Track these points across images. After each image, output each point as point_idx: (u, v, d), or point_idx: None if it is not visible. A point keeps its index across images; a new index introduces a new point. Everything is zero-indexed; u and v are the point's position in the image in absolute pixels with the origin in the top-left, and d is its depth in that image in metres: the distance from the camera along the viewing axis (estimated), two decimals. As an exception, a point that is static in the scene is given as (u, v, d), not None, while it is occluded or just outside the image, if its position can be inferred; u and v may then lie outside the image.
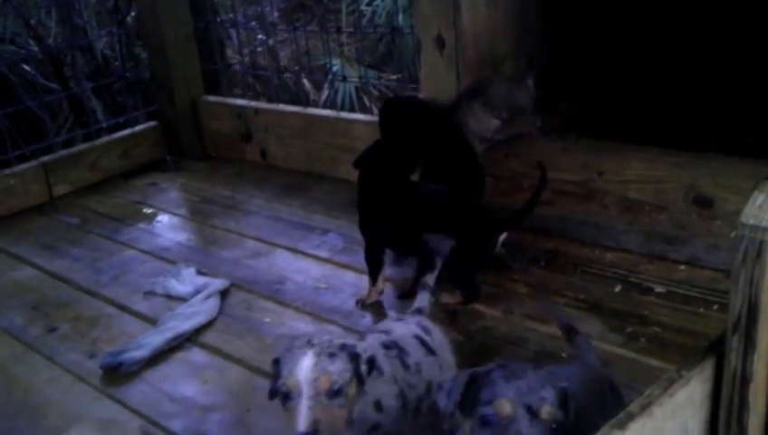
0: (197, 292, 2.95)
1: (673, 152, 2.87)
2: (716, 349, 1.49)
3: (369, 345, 1.83)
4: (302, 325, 2.73)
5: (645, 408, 1.35)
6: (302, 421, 1.58)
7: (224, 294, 2.96)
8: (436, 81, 3.41)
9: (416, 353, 1.93)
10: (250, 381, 2.47)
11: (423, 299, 2.29)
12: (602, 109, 3.57)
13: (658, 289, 2.68)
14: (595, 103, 3.63)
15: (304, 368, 1.63)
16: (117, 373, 2.53)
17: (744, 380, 1.43)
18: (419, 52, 3.48)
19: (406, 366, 1.89)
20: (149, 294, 3.04)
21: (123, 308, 2.97)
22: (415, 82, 5.43)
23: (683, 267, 2.76)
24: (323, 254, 3.23)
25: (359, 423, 1.74)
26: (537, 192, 2.71)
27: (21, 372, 2.63)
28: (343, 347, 1.69)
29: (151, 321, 2.84)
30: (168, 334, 2.67)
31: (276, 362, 1.70)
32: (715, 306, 2.53)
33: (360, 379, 1.68)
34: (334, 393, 1.62)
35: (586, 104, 3.67)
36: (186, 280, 3.05)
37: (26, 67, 5.40)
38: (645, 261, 2.83)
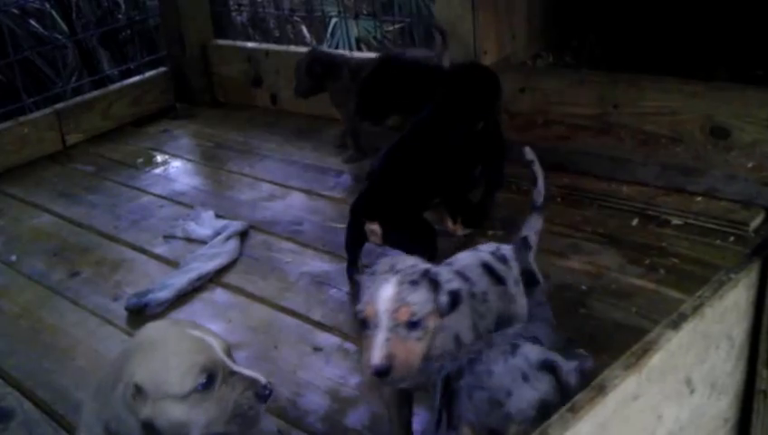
0: (217, 234, 2.97)
1: (689, 81, 2.86)
2: (762, 252, 1.50)
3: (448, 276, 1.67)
4: (324, 265, 2.76)
5: (697, 308, 1.38)
6: (376, 355, 1.52)
7: (243, 235, 2.98)
8: (451, 16, 3.38)
9: (481, 282, 1.80)
10: (274, 319, 2.50)
11: (531, 225, 2.04)
12: (612, 43, 3.55)
13: (676, 221, 2.69)
14: (605, 38, 3.61)
15: (384, 297, 1.54)
16: (143, 314, 2.56)
17: (791, 281, 1.44)
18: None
19: (471, 295, 1.76)
20: (169, 237, 3.07)
21: (144, 251, 3.00)
22: (410, 36, 5.42)
23: (700, 199, 2.76)
24: (338, 195, 3.25)
25: (438, 360, 1.60)
26: None
27: (47, 315, 2.67)
28: (426, 274, 1.59)
29: (173, 263, 2.87)
30: (192, 275, 2.70)
31: (357, 284, 1.63)
32: (732, 238, 2.54)
33: (441, 310, 1.59)
34: (413, 325, 1.54)
35: (596, 40, 3.65)
36: (205, 223, 3.08)
37: (32, 22, 5.38)
38: (662, 193, 2.84)
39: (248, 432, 1.51)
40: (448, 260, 1.90)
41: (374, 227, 2.43)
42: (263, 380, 1.50)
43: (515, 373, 1.34)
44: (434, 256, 2.23)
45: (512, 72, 3.35)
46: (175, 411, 1.41)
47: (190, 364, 1.41)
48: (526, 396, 1.32)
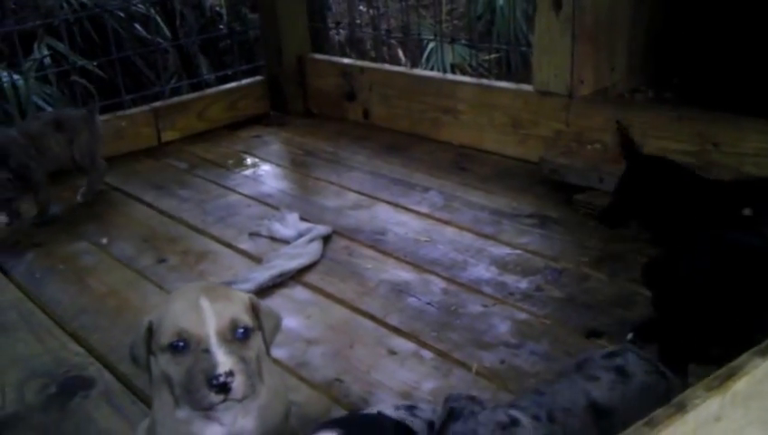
0: (300, 235, 3.00)
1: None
2: None
3: None
4: (404, 274, 2.75)
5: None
6: None
7: (326, 239, 3.00)
8: (550, 44, 3.39)
9: None
10: (352, 320, 2.50)
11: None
12: (715, 84, 3.49)
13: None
14: (708, 78, 3.55)
15: None
16: (223, 304, 2.59)
17: None
18: (533, 15, 3.47)
19: None
20: (254, 235, 3.11)
21: (229, 246, 3.05)
22: (507, 65, 5.43)
23: (797, 242, 2.68)
24: (424, 210, 3.25)
25: None
26: None
27: (132, 296, 2.73)
28: None
29: (256, 259, 2.91)
30: (274, 271, 2.73)
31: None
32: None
33: None
34: None
35: (697, 79, 3.59)
36: (289, 224, 3.11)
37: (137, 26, 5.58)
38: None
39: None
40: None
41: None
42: (221, 369, 1.40)
43: None
44: None
45: (608, 104, 3.34)
46: (160, 359, 1.48)
47: (171, 324, 1.46)
48: None
